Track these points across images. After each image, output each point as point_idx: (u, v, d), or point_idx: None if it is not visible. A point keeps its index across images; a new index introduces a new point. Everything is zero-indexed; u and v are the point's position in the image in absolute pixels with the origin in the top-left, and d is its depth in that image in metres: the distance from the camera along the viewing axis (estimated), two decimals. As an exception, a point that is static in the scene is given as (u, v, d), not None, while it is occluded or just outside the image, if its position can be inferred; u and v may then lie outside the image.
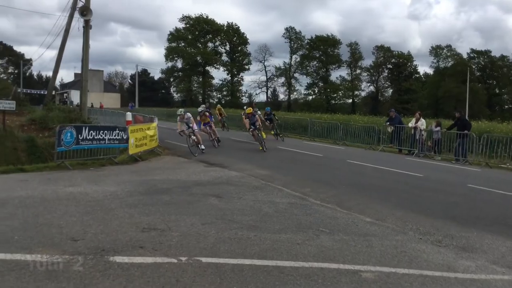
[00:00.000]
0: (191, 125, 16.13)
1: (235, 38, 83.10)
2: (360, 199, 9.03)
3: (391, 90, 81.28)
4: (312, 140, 23.96)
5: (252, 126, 17.45)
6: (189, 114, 16.24)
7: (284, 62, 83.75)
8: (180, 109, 16.78)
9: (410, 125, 19.32)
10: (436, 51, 77.17)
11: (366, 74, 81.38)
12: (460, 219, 7.57)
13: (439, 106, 69.16)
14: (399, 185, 10.80)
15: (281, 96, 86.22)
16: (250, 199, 8.21)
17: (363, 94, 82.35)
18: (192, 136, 15.72)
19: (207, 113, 18.69)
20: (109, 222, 5.95)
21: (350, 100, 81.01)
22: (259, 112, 20.03)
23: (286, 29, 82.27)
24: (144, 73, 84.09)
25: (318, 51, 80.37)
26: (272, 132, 22.05)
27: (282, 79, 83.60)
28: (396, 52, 78.51)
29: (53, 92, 28.56)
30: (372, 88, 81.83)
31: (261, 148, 16.99)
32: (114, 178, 9.94)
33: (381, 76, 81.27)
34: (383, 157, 17.33)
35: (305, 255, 5.07)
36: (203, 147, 16.16)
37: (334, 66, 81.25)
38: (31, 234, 5.18)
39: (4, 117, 13.92)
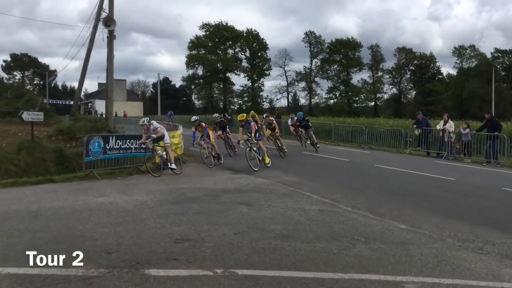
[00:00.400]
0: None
1: (254, 44, 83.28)
2: (392, 205, 8.80)
3: (414, 92, 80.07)
4: (336, 145, 23.66)
5: (248, 136, 14.15)
6: (156, 125, 13.10)
7: (304, 66, 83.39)
8: (143, 119, 13.90)
9: (438, 127, 18.90)
10: (459, 51, 75.72)
11: (388, 76, 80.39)
12: (499, 224, 7.29)
13: (464, 107, 67.82)
14: (431, 190, 10.51)
15: (302, 101, 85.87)
16: (279, 206, 8.08)
17: (385, 96, 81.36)
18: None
19: (203, 124, 15.29)
20: (141, 233, 5.91)
21: (372, 103, 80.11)
22: (251, 120, 16.20)
23: (306, 33, 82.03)
24: (165, 81, 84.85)
25: (338, 54, 79.86)
26: (309, 142, 19.52)
27: (303, 84, 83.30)
28: (419, 54, 77.38)
29: (78, 102, 29.01)
30: (394, 90, 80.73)
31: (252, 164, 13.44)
32: (142, 187, 9.95)
33: (404, 78, 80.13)
34: (411, 160, 16.98)
35: (343, 265, 4.91)
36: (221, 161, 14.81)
37: (355, 69, 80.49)
38: (65, 247, 5.15)
39: (33, 128, 14.11)
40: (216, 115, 19.64)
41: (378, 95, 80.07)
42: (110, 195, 8.78)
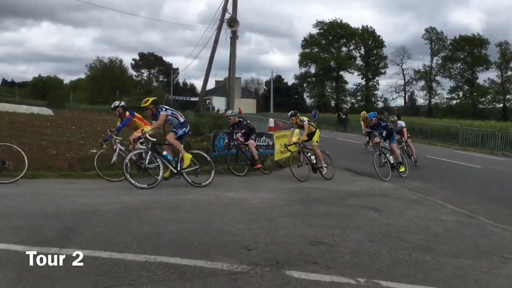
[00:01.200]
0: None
1: (370, 41, 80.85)
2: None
3: (551, 93, 71.59)
4: (464, 150, 22.00)
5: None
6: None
7: (424, 64, 78.96)
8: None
9: None
10: None
11: (519, 76, 72.78)
12: None
13: None
14: None
15: (420, 101, 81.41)
16: (412, 214, 7.68)
17: (516, 98, 73.74)
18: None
19: (127, 113, 11.06)
20: (275, 232, 5.98)
21: (501, 105, 73.19)
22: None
23: (426, 29, 77.48)
24: (278, 79, 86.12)
25: (462, 52, 74.21)
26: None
27: (422, 83, 78.92)
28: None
29: (202, 100, 30.61)
30: (527, 91, 72.85)
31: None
32: (266, 185, 10.14)
33: (539, 78, 71.95)
34: (555, 171, 15.17)
35: (497, 287, 4.48)
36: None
37: (481, 68, 74.20)
38: (208, 240, 5.40)
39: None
40: (229, 112, 13.94)
41: (508, 96, 72.83)
42: (238, 190, 9.07)
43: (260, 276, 4.38)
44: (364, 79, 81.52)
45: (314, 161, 11.79)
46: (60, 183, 8.85)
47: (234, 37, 20.29)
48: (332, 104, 79.82)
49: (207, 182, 9.70)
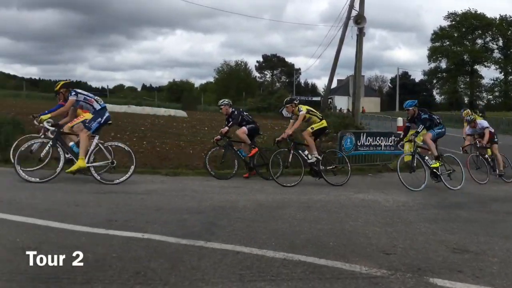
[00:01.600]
0: None
1: (510, 32, 73.19)
2: None
3: None
4: None
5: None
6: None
7: None
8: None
9: None
10: None
11: None
12: None
13: None
14: None
15: None
16: None
17: None
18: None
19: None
20: (413, 236, 5.76)
21: None
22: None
23: None
24: (404, 76, 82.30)
25: None
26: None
27: None
28: None
29: (327, 99, 30.63)
30: None
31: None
32: (397, 186, 9.77)
33: None
34: None
35: None
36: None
37: None
38: (344, 242, 5.39)
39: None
40: (220, 101, 12.13)
41: None
42: (369, 192, 8.90)
43: (401, 281, 4.25)
44: (503, 73, 74.09)
45: (311, 160, 10.19)
46: (198, 181, 9.52)
47: (360, 35, 19.85)
48: (466, 101, 73.88)
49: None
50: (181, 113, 32.00)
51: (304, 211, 6.89)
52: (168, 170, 10.28)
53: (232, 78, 74.72)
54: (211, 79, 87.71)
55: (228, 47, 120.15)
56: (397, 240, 5.57)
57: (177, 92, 75.16)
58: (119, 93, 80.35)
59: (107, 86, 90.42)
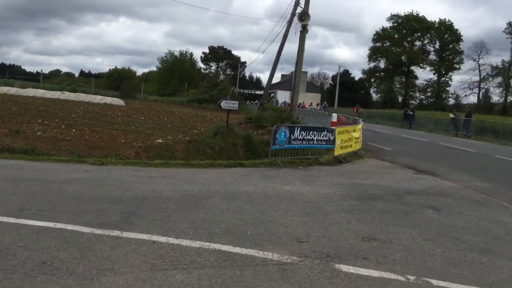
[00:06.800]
0: None
1: (446, 35, 77.26)
2: None
3: None
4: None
5: None
6: None
7: (503, 60, 74.42)
8: None
9: None
10: None
11: None
12: None
13: None
14: None
15: (495, 98, 76.87)
16: (473, 215, 7.40)
17: None
18: None
19: None
20: (328, 226, 6.03)
21: None
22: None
23: (509, 23, 72.87)
24: (344, 74, 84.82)
25: (548, 47, 69.07)
26: None
27: (499, 79, 74.43)
28: None
29: (267, 93, 30.91)
30: None
31: None
32: (324, 179, 10.13)
33: None
34: None
35: (558, 294, 4.27)
36: None
37: None
38: (261, 231, 5.56)
39: (228, 115, 15.53)
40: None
41: None
42: (295, 184, 9.16)
43: (309, 267, 4.47)
44: (437, 75, 78.24)
45: None
46: (126, 170, 9.36)
47: (303, 31, 20.16)
48: (400, 100, 77.31)
49: None
50: (118, 102, 31.20)
51: (229, 202, 6.99)
52: (96, 159, 10.04)
53: (175, 68, 73.60)
54: (154, 68, 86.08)
55: (173, 37, 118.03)
56: (313, 229, 5.81)
57: (117, 80, 73.02)
58: (55, 78, 76.85)
59: (41, 70, 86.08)
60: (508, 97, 73.44)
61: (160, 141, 13.33)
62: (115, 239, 4.86)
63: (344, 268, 4.52)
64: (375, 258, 4.86)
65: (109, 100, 30.96)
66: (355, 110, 35.03)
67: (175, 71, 71.81)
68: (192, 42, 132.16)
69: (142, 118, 21.18)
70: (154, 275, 4.03)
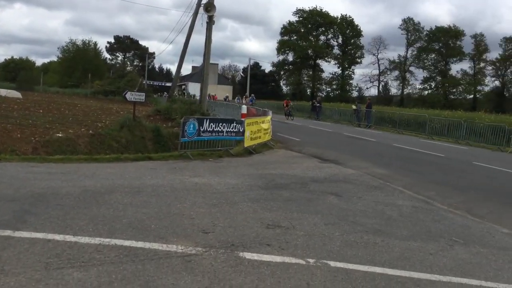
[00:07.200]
0: None
1: (348, 31, 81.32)
2: (492, 206, 8.29)
3: (519, 86, 73.48)
4: (430, 138, 22.57)
5: None
6: None
7: (399, 55, 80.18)
8: None
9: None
10: None
11: (491, 68, 74.47)
12: None
13: None
14: (538, 194, 9.70)
15: (393, 91, 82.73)
16: (370, 199, 7.90)
17: (486, 89, 75.51)
18: None
19: None
20: (235, 216, 6.09)
21: (471, 96, 74.88)
22: None
23: (404, 20, 78.53)
24: (255, 66, 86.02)
25: (437, 43, 75.47)
26: None
27: (396, 73, 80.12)
28: (529, 44, 70.67)
29: (175, 85, 30.43)
30: (497, 83, 74.66)
31: None
32: (233, 171, 10.21)
33: (509, 70, 73.76)
34: (514, 160, 15.73)
35: (440, 267, 4.70)
36: None
37: (454, 59, 75.71)
38: (166, 224, 5.46)
39: (135, 107, 15.06)
40: None
41: (479, 87, 74.58)
42: (204, 176, 9.13)
43: (213, 257, 4.48)
44: (340, 68, 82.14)
45: None
46: (21, 167, 8.71)
47: (210, 22, 20.05)
48: (308, 92, 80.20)
49: None
50: (15, 94, 28.96)
51: (133, 196, 6.78)
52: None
53: (78, 59, 69.61)
54: (55, 59, 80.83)
55: (75, 26, 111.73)
56: (219, 219, 5.83)
57: (14, 71, 67.75)
58: None
59: None
60: (405, 90, 79.33)
61: (60, 135, 12.58)
62: (6, 239, 4.50)
63: (248, 255, 4.59)
64: (278, 244, 5.00)
65: (3, 92, 28.56)
66: (285, 104, 35.66)
67: (78, 61, 67.85)
68: (96, 31, 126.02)
69: (41, 111, 19.81)
70: (49, 275, 3.80)
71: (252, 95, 38.65)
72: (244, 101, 37.44)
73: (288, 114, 33.07)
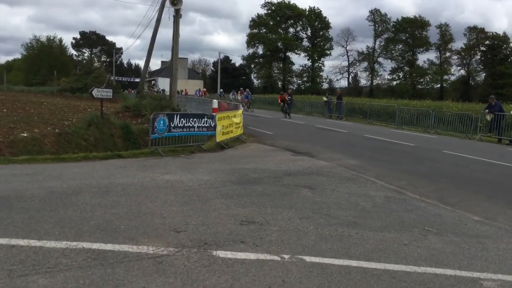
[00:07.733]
0: None
1: (316, 23, 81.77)
2: (463, 194, 8.40)
3: (484, 74, 75.64)
4: (400, 128, 22.91)
5: None
6: None
7: (367, 46, 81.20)
8: None
9: (513, 112, 17.76)
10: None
11: (456, 57, 76.31)
12: None
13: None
14: (506, 179, 9.94)
15: (363, 82, 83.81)
16: (343, 191, 7.89)
17: (452, 78, 77.38)
18: None
19: None
20: (207, 213, 5.96)
21: (438, 85, 76.59)
22: None
23: (371, 11, 79.51)
24: (226, 60, 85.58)
25: (404, 33, 76.75)
26: None
27: (365, 64, 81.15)
28: (491, 34, 72.70)
29: (144, 81, 29.94)
30: (463, 72, 76.60)
31: None
32: (206, 166, 10.06)
33: (473, 60, 75.77)
34: (481, 147, 16.12)
35: (415, 258, 4.70)
36: None
37: (421, 49, 77.24)
38: (136, 224, 5.29)
39: (102, 104, 14.67)
40: None
41: (445, 76, 76.34)
42: (176, 173, 8.95)
43: (186, 257, 4.35)
44: (310, 60, 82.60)
45: None
46: (-17, 170, 8.34)
47: (177, 16, 19.71)
48: (279, 85, 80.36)
49: None
50: (-24, 93, 27.81)
51: (101, 196, 6.56)
52: None
53: (43, 55, 67.68)
54: (19, 56, 78.36)
55: (39, 22, 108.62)
56: (191, 217, 5.70)
57: (-25, 70, 65.35)
58: None
59: None
60: (374, 81, 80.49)
61: (25, 135, 12.13)
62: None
63: (222, 254, 4.48)
64: (253, 241, 4.90)
65: (-36, 91, 27.46)
66: (279, 100, 31.83)
67: (43, 58, 65.94)
68: (61, 27, 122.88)
69: (5, 110, 19.12)
70: (12, 283, 3.62)
71: (247, 90, 37.68)
72: (239, 97, 36.44)
73: (285, 112, 28.44)
